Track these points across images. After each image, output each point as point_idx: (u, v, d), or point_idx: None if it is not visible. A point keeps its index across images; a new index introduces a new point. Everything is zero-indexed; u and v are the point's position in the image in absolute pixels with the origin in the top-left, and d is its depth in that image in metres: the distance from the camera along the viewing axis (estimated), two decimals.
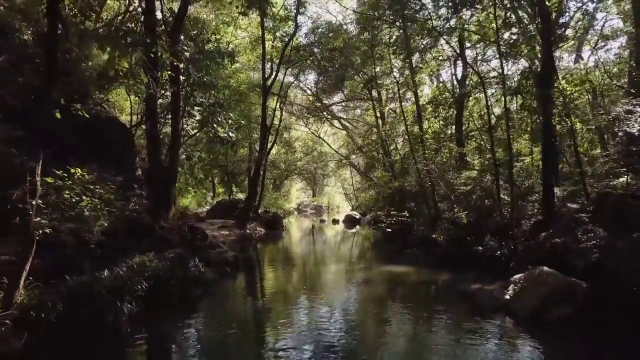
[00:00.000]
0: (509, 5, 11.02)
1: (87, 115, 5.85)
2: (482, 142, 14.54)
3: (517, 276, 7.05)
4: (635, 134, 7.11)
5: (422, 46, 16.10)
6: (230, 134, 12.89)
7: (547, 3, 9.82)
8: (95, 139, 10.38)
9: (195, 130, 17.28)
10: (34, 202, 4.80)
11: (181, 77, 10.55)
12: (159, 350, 5.75)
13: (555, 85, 9.76)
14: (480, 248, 10.33)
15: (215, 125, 12.18)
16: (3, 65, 10.91)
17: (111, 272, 6.52)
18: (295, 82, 25.54)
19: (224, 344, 5.70)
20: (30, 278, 5.37)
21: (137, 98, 14.70)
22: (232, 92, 18.53)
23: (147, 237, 8.66)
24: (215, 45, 14.17)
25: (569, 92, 9.79)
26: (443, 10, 15.30)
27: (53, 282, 5.77)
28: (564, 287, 6.24)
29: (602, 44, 17.52)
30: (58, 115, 5.00)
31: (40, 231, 5.18)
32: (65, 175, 5.51)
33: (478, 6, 11.72)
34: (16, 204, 4.83)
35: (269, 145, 20.94)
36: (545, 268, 6.68)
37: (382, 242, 17.37)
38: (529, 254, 8.32)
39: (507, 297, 6.79)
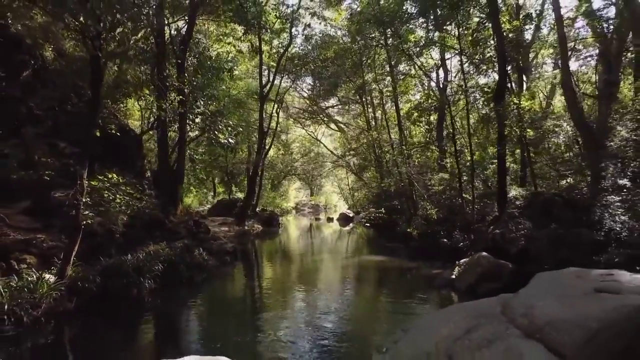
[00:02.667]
0: (473, 28, 12.52)
1: (119, 134, 7.46)
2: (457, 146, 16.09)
3: (462, 260, 8.64)
4: (561, 144, 8.67)
5: (404, 59, 17.63)
6: (230, 139, 14.45)
7: (502, 26, 11.36)
8: (112, 146, 11.95)
9: (197, 133, 18.83)
10: (83, 200, 6.39)
11: (186, 90, 12.09)
12: (172, 316, 7.34)
13: (510, 99, 11.33)
14: (445, 240, 11.91)
15: (216, 132, 13.76)
16: (29, 80, 12.52)
17: (133, 257, 8.13)
18: (292, 86, 27.07)
19: (223, 313, 7.31)
20: (75, 258, 6.95)
21: (145, 106, 16.30)
22: (231, 100, 20.10)
23: (159, 230, 10.28)
24: (216, 57, 15.71)
25: (521, 106, 11.35)
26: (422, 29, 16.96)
27: (90, 262, 7.37)
28: (494, 267, 7.84)
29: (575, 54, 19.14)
30: (98, 133, 6.59)
31: (84, 221, 6.77)
32: (106, 179, 7.12)
33: (447, 27, 13.28)
34: (71, 201, 6.40)
35: (267, 147, 22.52)
36: (484, 253, 8.27)
37: (370, 237, 18.99)
38: (480, 244, 9.92)
39: (453, 276, 8.38)
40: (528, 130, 11.44)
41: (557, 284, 2.69)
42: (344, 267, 11.75)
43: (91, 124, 6.24)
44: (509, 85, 16.80)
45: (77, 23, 5.93)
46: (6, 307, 5.37)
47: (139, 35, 8.86)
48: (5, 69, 9.08)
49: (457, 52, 17.09)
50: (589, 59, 18.76)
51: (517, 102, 11.26)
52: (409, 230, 13.64)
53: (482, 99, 12.52)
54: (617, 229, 7.54)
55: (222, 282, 9.98)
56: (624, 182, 7.45)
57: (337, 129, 33.91)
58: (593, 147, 8.66)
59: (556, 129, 8.99)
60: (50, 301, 6.11)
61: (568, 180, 10.72)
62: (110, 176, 7.33)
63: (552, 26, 14.10)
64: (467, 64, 13.58)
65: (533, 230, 8.16)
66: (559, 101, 22.62)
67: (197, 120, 15.50)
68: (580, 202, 8.40)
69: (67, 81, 9.07)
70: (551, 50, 20.67)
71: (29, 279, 6.21)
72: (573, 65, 21.71)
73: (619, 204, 7.32)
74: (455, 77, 18.77)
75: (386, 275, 10.85)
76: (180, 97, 10.15)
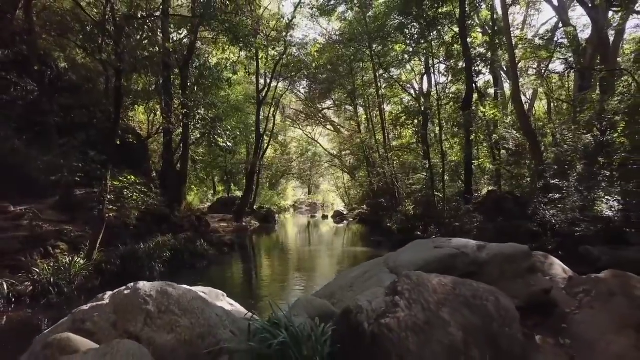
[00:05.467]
0: (447, 42, 13.96)
1: (135, 142, 8.92)
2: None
3: None
4: (513, 148, 10.12)
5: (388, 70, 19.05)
6: (229, 143, 15.90)
7: (469, 45, 12.79)
8: (122, 149, 13.42)
9: (198, 136, 20.28)
10: (108, 197, 7.86)
11: (190, 104, 13.54)
12: None
13: (477, 108, 12.77)
14: (419, 234, 13.36)
15: (216, 136, 15.21)
16: (45, 89, 13.98)
17: (145, 245, 9.59)
18: (289, 89, 28.41)
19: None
20: (98, 245, 8.43)
21: (150, 110, 17.77)
22: (230, 105, 21.53)
23: (166, 224, 11.76)
24: (215, 65, 17.10)
25: (487, 115, 12.80)
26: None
27: (110, 248, 8.86)
28: None
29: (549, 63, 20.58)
30: (118, 142, 8.03)
31: (107, 215, 8.25)
32: (125, 179, 8.61)
33: (423, 42, 14.70)
34: (98, 197, 7.88)
35: (264, 148, 23.95)
36: None
37: (359, 233, 20.48)
38: (448, 236, 11.39)
39: None
40: (495, 135, 12.90)
41: (419, 245, 4.15)
42: (330, 256, 13.24)
43: (113, 135, 7.70)
44: (490, 91, 18.30)
45: (103, 57, 7.37)
46: (52, 280, 6.86)
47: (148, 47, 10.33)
48: (38, 83, 10.54)
49: (437, 62, 18.62)
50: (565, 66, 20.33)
51: (484, 110, 12.73)
52: (389, 225, 15.10)
53: (455, 106, 13.95)
54: (553, 221, 9.00)
55: (221, 267, 11.46)
56: (556, 181, 8.86)
57: (333, 129, 35.29)
58: (538, 152, 10.11)
59: (506, 136, 10.47)
60: (81, 279, 7.59)
61: (526, 180, 12.15)
62: (128, 177, 8.83)
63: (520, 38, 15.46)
64: (440, 75, 15.05)
65: (484, 222, 9.62)
66: (543, 105, 24.04)
67: (198, 125, 16.96)
68: (524, 199, 9.83)
69: (92, 100, 10.53)
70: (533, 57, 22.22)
71: (64, 261, 7.69)
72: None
73: (547, 200, 8.76)
74: (438, 84, 20.19)
75: (363, 260, 12.37)
76: (186, 110, 11.63)
